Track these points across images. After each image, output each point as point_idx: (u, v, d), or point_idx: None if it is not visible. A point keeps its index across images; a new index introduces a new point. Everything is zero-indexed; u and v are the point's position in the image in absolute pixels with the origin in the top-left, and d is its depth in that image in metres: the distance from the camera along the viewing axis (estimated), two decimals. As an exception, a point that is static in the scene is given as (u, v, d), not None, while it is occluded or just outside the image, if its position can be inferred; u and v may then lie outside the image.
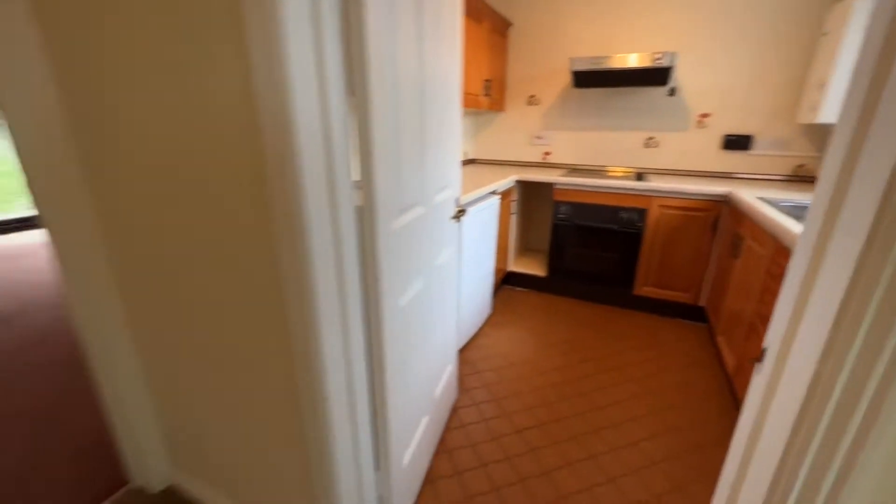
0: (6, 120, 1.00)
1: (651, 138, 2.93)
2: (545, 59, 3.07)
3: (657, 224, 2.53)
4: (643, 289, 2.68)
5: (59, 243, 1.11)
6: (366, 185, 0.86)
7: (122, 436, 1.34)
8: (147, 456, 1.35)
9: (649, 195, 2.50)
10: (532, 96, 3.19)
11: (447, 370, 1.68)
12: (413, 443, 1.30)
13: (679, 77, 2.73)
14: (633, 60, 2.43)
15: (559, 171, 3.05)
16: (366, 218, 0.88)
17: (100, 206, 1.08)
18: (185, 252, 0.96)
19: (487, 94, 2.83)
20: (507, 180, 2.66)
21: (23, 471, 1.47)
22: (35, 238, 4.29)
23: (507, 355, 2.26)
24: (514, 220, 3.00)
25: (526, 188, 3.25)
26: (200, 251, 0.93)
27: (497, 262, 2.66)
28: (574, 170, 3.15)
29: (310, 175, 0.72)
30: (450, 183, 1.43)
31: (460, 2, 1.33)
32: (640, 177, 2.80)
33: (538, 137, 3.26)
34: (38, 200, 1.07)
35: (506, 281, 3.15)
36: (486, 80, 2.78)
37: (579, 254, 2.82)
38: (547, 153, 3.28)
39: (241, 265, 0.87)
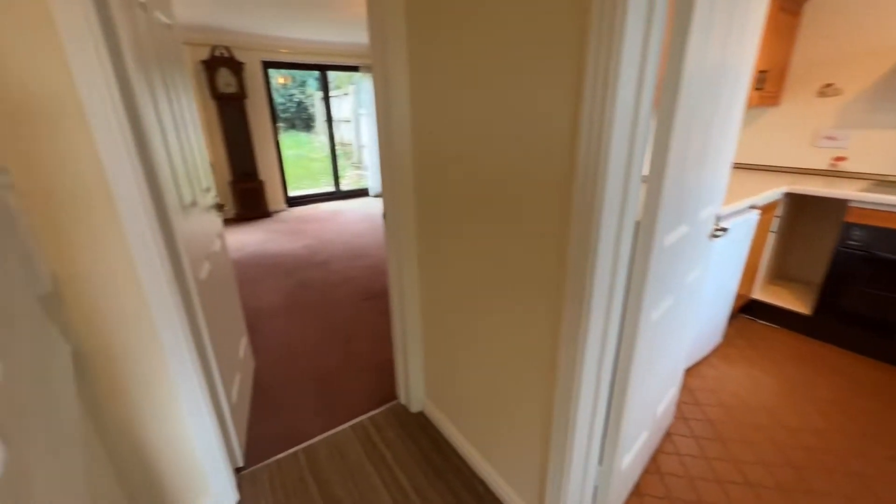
0: (380, 122, 1.47)
1: None
2: (858, 38, 2.35)
3: None
4: None
5: (391, 217, 1.59)
6: (650, 205, 0.93)
7: (399, 365, 1.84)
8: (411, 385, 1.82)
9: None
10: (828, 86, 2.50)
11: (671, 392, 1.61)
12: (632, 451, 1.33)
13: None
14: None
15: (856, 184, 2.33)
16: (643, 233, 0.95)
17: (418, 192, 1.50)
18: (479, 237, 1.25)
19: (759, 88, 2.38)
20: (773, 192, 2.22)
21: (340, 369, 2.20)
22: (334, 207, 6.05)
23: (738, 395, 1.95)
24: (770, 240, 2.48)
25: (796, 202, 2.62)
26: (493, 238, 1.19)
27: (739, 286, 2.28)
28: (882, 182, 2.35)
29: (610, 191, 0.83)
30: (715, 198, 1.33)
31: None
32: None
33: (829, 138, 2.55)
34: (385, 176, 1.54)
35: (746, 309, 2.66)
36: (762, 72, 2.34)
37: (876, 296, 2.12)
38: (839, 158, 2.54)
39: (528, 257, 1.08)
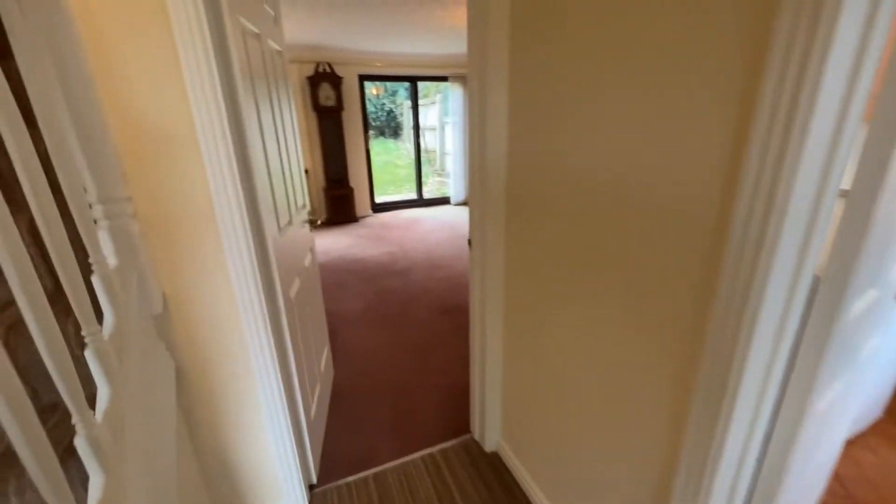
0: (473, 139, 1.37)
1: None
2: None
3: None
4: None
5: (477, 243, 1.49)
6: (843, 256, 0.69)
7: (475, 399, 1.72)
8: (487, 422, 1.69)
9: None
10: None
11: (818, 486, 1.26)
12: (768, 562, 1.04)
13: None
14: None
15: None
16: (824, 295, 0.71)
17: (509, 216, 1.38)
18: (584, 272, 1.08)
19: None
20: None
21: (414, 385, 2.16)
22: (416, 214, 6.18)
23: (914, 496, 1.49)
24: (965, 290, 1.89)
25: None
26: (604, 273, 1.01)
27: (916, 349, 1.76)
28: None
29: (788, 234, 0.61)
30: (913, 247, 1.00)
31: None
32: None
33: None
34: (473, 198, 1.44)
35: (919, 376, 2.07)
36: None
37: None
38: None
39: (651, 302, 0.89)
